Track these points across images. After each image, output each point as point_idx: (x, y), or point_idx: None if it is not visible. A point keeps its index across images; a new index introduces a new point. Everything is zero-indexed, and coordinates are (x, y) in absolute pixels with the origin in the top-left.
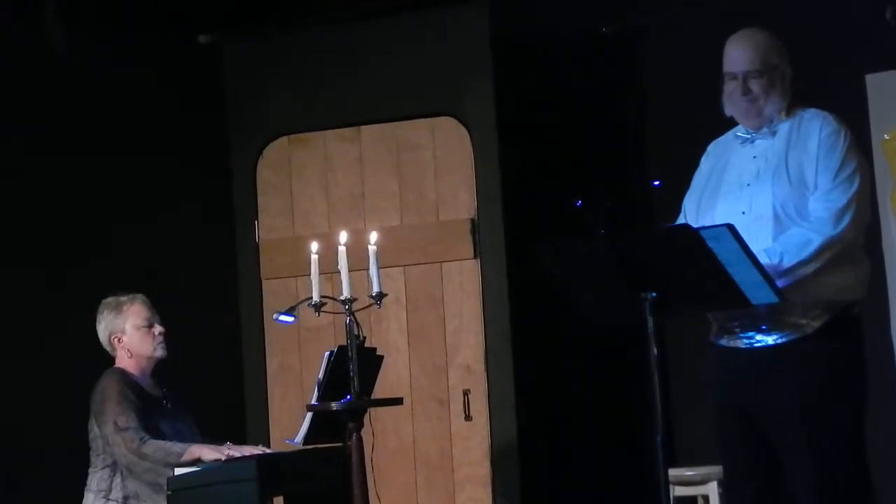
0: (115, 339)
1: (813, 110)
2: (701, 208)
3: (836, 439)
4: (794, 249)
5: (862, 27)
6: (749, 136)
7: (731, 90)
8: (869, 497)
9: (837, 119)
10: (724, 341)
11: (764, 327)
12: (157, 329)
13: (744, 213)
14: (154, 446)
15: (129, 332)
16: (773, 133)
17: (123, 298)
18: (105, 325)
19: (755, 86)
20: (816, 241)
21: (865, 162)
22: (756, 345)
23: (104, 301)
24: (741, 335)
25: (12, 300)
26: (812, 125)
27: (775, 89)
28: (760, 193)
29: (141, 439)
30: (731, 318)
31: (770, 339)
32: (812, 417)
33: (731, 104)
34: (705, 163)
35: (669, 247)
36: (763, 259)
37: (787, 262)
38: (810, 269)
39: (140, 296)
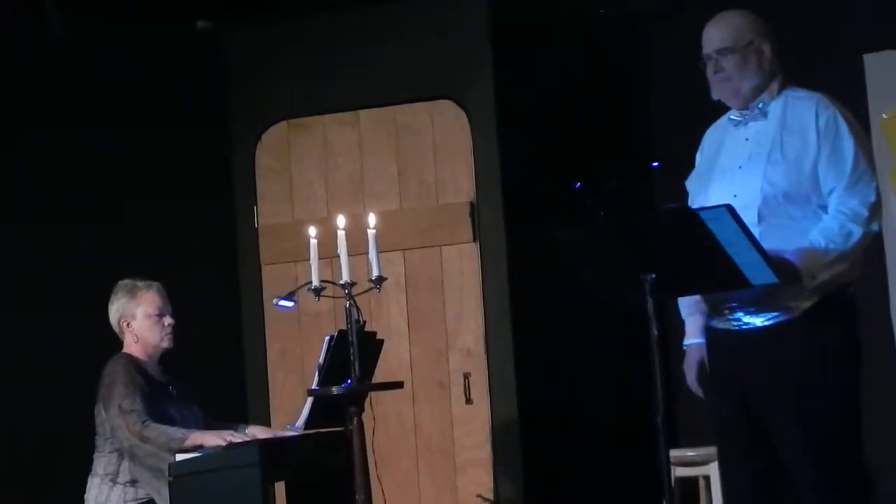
0: (125, 323)
1: (803, 91)
2: (695, 192)
3: (826, 419)
4: (839, 240)
5: (859, 7)
6: (742, 118)
7: (708, 72)
8: (864, 476)
9: (830, 100)
10: (715, 323)
11: (753, 309)
12: (167, 320)
13: (735, 196)
14: (157, 430)
15: (140, 319)
16: (765, 114)
17: (140, 284)
18: (117, 308)
19: (727, 63)
20: (857, 234)
21: (866, 137)
22: (744, 327)
23: (120, 283)
24: (730, 317)
25: (15, 286)
26: (805, 109)
27: (749, 66)
28: (751, 176)
29: (143, 422)
30: (721, 300)
31: (759, 321)
32: (800, 398)
33: (712, 86)
34: (699, 154)
35: (669, 228)
36: (806, 247)
37: (833, 253)
38: (849, 261)
39: (156, 284)
